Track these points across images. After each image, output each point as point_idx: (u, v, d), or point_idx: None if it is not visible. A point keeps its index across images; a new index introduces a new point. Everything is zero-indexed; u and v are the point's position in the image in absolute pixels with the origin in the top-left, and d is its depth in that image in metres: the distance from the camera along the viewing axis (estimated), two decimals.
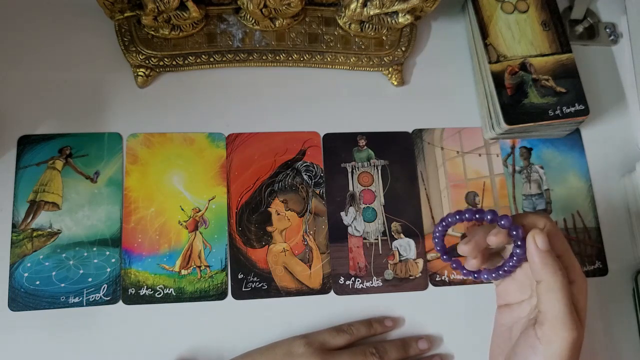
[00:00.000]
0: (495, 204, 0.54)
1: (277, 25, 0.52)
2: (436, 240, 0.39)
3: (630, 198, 0.55)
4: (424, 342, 0.48)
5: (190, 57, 0.52)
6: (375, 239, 0.52)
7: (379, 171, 0.53)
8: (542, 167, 0.55)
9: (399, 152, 0.54)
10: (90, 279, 0.47)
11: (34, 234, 0.47)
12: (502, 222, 0.35)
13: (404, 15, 0.51)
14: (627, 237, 0.54)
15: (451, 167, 0.54)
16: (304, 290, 0.49)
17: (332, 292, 0.50)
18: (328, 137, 0.54)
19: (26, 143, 0.49)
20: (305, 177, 0.52)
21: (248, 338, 0.47)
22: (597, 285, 0.52)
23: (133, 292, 0.47)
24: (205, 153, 0.52)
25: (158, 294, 0.48)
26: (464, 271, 0.39)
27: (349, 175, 0.53)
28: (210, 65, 0.53)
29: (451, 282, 0.51)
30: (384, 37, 0.55)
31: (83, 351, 0.46)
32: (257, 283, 0.49)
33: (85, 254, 0.47)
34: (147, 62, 0.51)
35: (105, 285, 0.47)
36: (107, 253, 0.48)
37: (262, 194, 0.51)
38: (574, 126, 0.54)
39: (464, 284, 0.51)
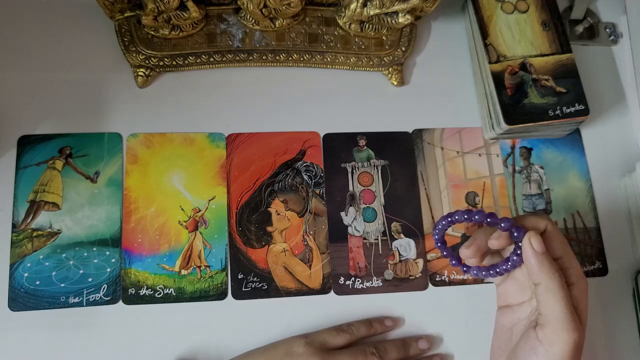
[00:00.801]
0: (495, 204, 0.54)
1: (277, 25, 0.52)
2: (436, 237, 0.39)
3: (630, 198, 0.55)
4: (424, 342, 0.48)
5: (190, 57, 0.52)
6: (375, 239, 0.52)
7: (379, 171, 0.53)
8: (542, 167, 0.55)
9: (399, 152, 0.54)
10: (90, 279, 0.47)
11: (34, 234, 0.47)
12: (502, 225, 0.35)
13: (404, 15, 0.51)
14: (627, 237, 0.54)
15: (451, 167, 0.54)
16: (304, 290, 0.49)
17: (332, 292, 0.50)
18: (328, 137, 0.54)
19: (26, 143, 0.49)
20: (305, 177, 0.52)
21: (248, 338, 0.47)
22: (597, 285, 0.52)
23: (133, 292, 0.47)
24: (205, 153, 0.52)
25: (158, 294, 0.48)
26: (464, 268, 0.39)
27: (349, 175, 0.53)
28: (210, 65, 0.53)
29: (451, 282, 0.51)
30: (384, 37, 0.55)
31: (83, 351, 0.46)
32: (257, 283, 0.49)
33: (85, 254, 0.47)
34: (147, 62, 0.51)
35: (105, 285, 0.47)
36: (107, 253, 0.48)
37: (262, 194, 0.51)
38: (574, 126, 0.54)
39: (464, 284, 0.51)
